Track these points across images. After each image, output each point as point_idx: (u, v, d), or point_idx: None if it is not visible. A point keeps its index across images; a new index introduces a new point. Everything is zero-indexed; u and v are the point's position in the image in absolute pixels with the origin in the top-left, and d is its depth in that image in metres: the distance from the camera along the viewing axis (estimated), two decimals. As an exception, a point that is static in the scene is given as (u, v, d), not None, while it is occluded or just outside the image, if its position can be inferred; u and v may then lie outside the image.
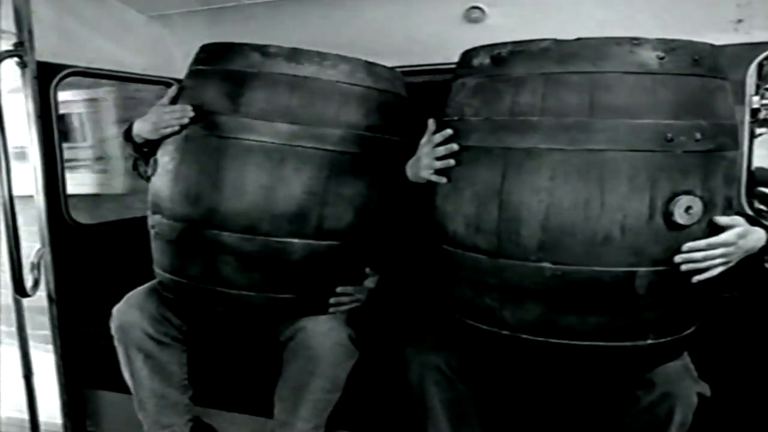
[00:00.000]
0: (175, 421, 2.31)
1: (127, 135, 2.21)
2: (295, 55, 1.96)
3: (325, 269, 2.10)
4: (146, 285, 2.29)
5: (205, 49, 2.11)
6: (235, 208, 1.97)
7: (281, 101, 1.95)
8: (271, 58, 1.96)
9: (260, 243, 1.98)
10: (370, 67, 2.05)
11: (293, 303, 2.10)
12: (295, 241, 1.99)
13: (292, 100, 1.95)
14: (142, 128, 2.14)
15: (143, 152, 2.20)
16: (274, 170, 1.95)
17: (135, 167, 2.29)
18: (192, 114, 2.03)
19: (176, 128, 2.06)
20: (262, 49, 1.97)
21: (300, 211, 1.98)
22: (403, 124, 2.20)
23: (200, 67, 2.10)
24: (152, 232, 2.19)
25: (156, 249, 2.21)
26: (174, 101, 2.14)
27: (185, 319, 2.27)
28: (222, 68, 2.03)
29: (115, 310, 2.24)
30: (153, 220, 2.17)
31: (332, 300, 2.15)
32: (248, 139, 1.95)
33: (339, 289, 2.15)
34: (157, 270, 2.23)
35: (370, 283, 2.24)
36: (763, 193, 2.63)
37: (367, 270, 2.23)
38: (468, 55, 1.75)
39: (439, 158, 1.77)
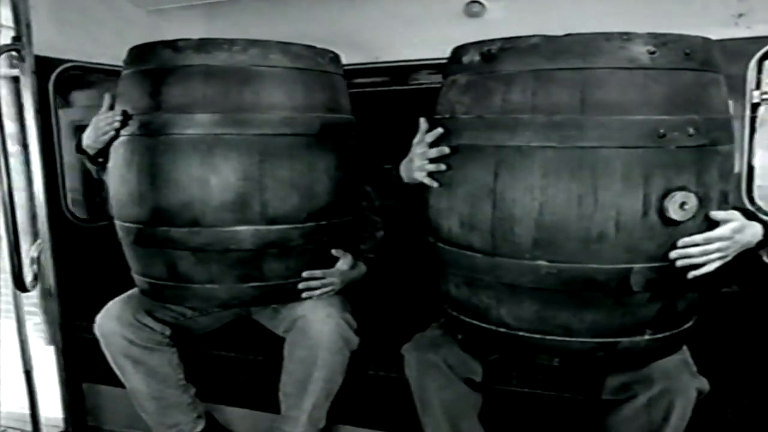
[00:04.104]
0: (180, 420, 2.32)
1: (79, 147, 2.25)
2: (203, 45, 1.96)
3: (285, 255, 2.09)
4: (124, 294, 2.31)
5: (129, 52, 2.12)
6: (176, 203, 1.99)
7: (197, 92, 1.96)
8: (181, 52, 1.97)
9: (208, 235, 1.99)
10: (284, 47, 2.02)
11: (260, 292, 2.11)
12: (242, 228, 2.00)
13: (208, 89, 1.95)
14: (87, 139, 2.18)
15: (98, 162, 2.24)
16: (204, 161, 1.96)
17: (97, 176, 2.34)
18: (121, 118, 2.05)
19: (112, 134, 2.09)
20: (173, 45, 1.98)
21: (239, 198, 1.98)
22: (338, 101, 2.18)
23: (126, 70, 2.12)
24: (119, 236, 2.22)
25: (126, 253, 2.24)
26: (111, 108, 2.15)
27: (166, 323, 2.28)
28: (141, 69, 2.05)
29: (97, 319, 2.25)
30: (116, 225, 2.21)
31: (301, 285, 2.14)
32: (173, 134, 1.97)
33: (305, 274, 2.14)
34: (133, 275, 2.26)
35: (342, 265, 2.22)
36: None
37: (335, 251, 2.21)
38: (458, 51, 1.73)
39: (431, 160, 1.76)
